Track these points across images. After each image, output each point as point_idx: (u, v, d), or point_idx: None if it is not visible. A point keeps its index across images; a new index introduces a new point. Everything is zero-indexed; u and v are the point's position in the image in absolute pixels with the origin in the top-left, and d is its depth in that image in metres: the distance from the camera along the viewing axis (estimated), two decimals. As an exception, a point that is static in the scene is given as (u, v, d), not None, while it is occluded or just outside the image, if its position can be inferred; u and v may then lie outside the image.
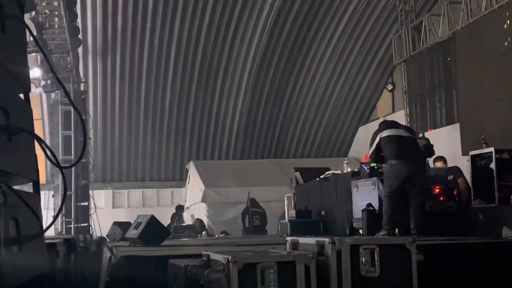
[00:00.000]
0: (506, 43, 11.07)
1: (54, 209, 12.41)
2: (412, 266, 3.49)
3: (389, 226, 7.01)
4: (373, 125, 13.22)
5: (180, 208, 15.24)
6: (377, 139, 7.29)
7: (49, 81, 11.63)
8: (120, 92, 17.04)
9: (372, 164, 8.03)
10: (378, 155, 7.36)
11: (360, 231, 8.02)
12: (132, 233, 7.00)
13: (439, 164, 9.40)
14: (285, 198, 13.22)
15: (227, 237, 13.58)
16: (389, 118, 16.90)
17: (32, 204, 2.05)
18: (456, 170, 8.88)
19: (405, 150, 7.12)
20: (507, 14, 11.10)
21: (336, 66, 17.77)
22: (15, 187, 2.03)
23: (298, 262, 3.26)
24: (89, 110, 15.34)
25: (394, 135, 7.21)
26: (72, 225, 11.91)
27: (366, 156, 9.51)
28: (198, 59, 16.80)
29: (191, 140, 18.46)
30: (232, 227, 15.02)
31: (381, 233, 7.07)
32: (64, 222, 12.01)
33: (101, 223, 12.17)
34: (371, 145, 7.53)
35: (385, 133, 7.26)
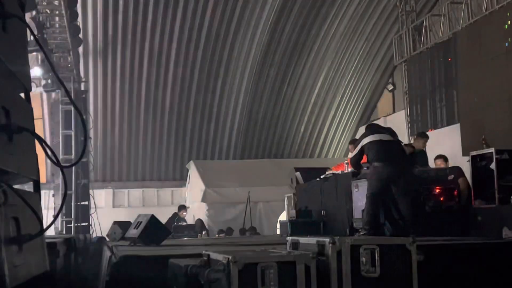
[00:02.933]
0: (506, 44, 11.06)
1: (54, 208, 12.42)
2: (413, 266, 3.49)
3: (369, 227, 7.12)
4: (374, 125, 13.20)
5: (181, 208, 15.21)
6: (360, 145, 7.43)
7: (49, 81, 11.64)
8: (121, 91, 17.04)
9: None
10: (358, 161, 7.51)
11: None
12: (132, 232, 7.00)
13: (439, 162, 9.39)
14: (285, 198, 13.22)
15: (227, 236, 13.59)
16: (389, 118, 16.97)
17: (32, 204, 2.05)
18: (457, 170, 8.88)
19: (387, 153, 7.29)
20: (508, 14, 11.09)
21: (336, 66, 17.77)
22: (16, 186, 2.03)
23: (298, 262, 3.26)
24: (90, 109, 15.35)
25: (376, 140, 7.34)
26: (72, 225, 11.92)
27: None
28: (198, 59, 16.80)
29: (191, 139, 18.46)
30: (232, 226, 15.03)
31: (361, 233, 7.17)
32: (64, 222, 12.03)
33: (101, 222, 12.17)
34: (352, 150, 7.69)
35: (367, 139, 7.44)
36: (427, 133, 14.44)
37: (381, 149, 7.29)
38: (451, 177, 8.50)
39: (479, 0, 12.07)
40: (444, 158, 9.44)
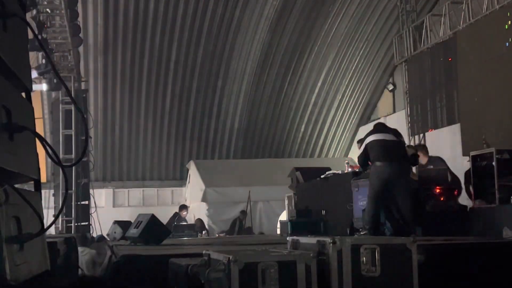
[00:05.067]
0: (507, 44, 11.05)
1: (55, 207, 12.42)
2: (413, 266, 3.48)
3: (370, 226, 7.16)
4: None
5: (182, 207, 15.22)
6: (364, 145, 7.47)
7: (54, 80, 11.63)
8: (121, 91, 17.05)
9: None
10: (365, 160, 7.54)
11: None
12: (133, 232, 7.01)
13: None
14: (285, 198, 13.22)
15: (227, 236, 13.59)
16: (389, 118, 16.97)
17: (33, 203, 2.05)
18: (438, 161, 8.89)
19: (388, 153, 7.32)
20: (509, 14, 11.09)
21: (337, 66, 17.76)
22: (16, 186, 2.03)
23: (299, 261, 3.26)
24: (90, 109, 15.34)
25: (379, 139, 7.38)
26: (72, 224, 11.93)
27: None
28: (199, 59, 16.80)
29: (192, 139, 18.46)
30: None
31: (362, 233, 7.20)
32: (64, 221, 12.03)
33: (101, 222, 12.18)
34: (359, 148, 7.73)
35: (371, 138, 7.49)
36: (428, 133, 14.57)
37: (382, 148, 7.33)
38: (430, 167, 8.57)
39: (480, 0, 12.06)
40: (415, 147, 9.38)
